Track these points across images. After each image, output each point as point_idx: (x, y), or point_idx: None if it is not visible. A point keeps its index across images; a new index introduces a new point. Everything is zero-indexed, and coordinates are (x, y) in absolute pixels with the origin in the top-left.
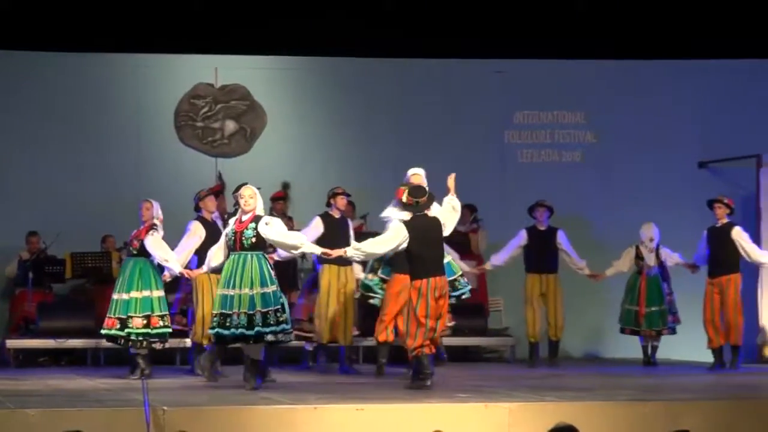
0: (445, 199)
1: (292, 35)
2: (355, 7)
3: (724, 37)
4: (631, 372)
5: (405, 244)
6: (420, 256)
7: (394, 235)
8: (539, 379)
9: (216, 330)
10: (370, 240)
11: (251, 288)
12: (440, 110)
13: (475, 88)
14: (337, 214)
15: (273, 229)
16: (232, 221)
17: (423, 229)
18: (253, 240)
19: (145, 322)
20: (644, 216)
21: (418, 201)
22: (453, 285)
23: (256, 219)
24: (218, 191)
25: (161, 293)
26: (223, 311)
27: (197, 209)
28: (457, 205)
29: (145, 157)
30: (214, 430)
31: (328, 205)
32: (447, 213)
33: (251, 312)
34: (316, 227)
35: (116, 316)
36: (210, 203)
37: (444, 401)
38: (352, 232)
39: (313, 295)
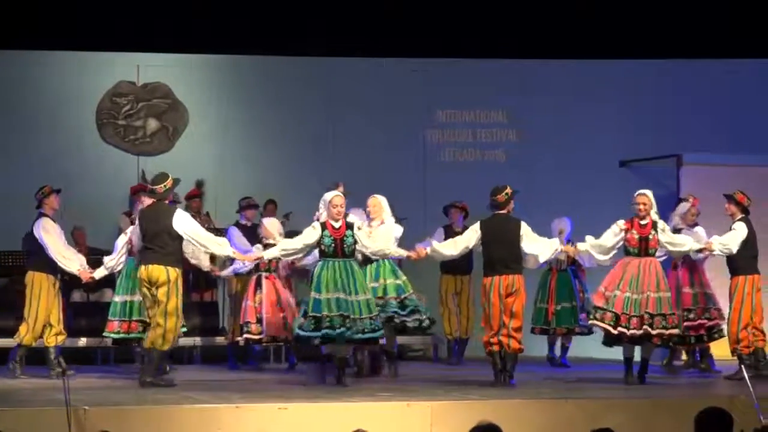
0: (555, 239)
1: (214, 34)
2: (275, 6)
3: (646, 38)
4: (553, 371)
5: (478, 243)
6: (490, 254)
7: (467, 236)
8: (462, 377)
9: (339, 332)
10: (448, 241)
11: (365, 293)
12: (362, 109)
13: (397, 87)
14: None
15: (365, 233)
16: (319, 227)
17: (496, 227)
18: (354, 247)
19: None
20: (566, 215)
21: (495, 199)
22: (404, 303)
23: (349, 225)
24: (140, 190)
25: None
26: (317, 314)
27: (39, 206)
28: (555, 244)
29: (67, 155)
30: (136, 429)
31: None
32: (539, 240)
33: (373, 316)
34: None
35: (136, 318)
36: (54, 201)
37: (366, 400)
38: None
39: (258, 296)
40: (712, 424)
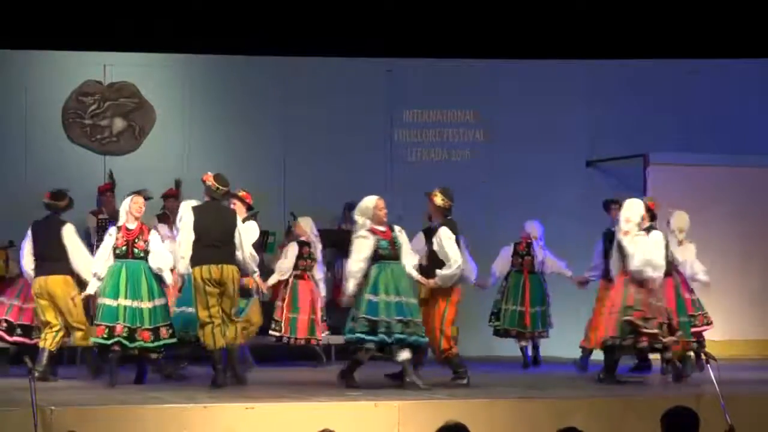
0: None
1: (180, 33)
2: (242, 6)
3: (612, 37)
4: (518, 370)
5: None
6: None
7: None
8: (429, 377)
9: (397, 337)
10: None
11: (408, 297)
12: (329, 109)
13: (363, 87)
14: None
15: (405, 236)
16: (370, 235)
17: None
18: (401, 249)
19: (171, 331)
20: (532, 215)
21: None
22: None
23: (392, 227)
24: (107, 189)
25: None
26: (373, 317)
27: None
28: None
29: (33, 154)
30: (104, 430)
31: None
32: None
33: (415, 319)
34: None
35: (151, 326)
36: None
37: (334, 399)
38: None
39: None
40: (679, 423)
